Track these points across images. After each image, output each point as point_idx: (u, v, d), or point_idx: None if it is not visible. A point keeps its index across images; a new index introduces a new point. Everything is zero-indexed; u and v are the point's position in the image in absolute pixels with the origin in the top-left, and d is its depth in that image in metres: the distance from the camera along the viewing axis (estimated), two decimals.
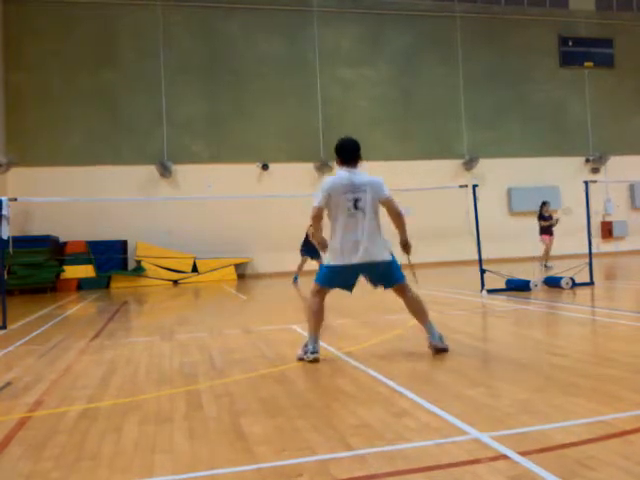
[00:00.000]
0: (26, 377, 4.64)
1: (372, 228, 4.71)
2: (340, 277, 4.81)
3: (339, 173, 4.84)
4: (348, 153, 4.87)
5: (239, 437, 2.94)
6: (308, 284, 12.63)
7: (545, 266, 13.98)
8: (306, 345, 4.89)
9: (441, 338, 4.86)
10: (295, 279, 13.86)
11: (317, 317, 4.90)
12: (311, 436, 2.90)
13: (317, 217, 4.79)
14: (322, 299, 4.93)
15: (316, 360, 4.76)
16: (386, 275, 4.82)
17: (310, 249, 13.06)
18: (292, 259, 14.17)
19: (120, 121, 17.50)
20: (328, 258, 4.82)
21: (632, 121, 21.48)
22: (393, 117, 19.56)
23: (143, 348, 5.82)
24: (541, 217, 14.35)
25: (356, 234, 4.66)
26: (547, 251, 14.29)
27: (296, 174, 18.00)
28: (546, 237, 14.21)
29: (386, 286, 4.89)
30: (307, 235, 13.27)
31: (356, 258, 4.65)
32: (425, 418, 3.08)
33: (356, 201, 4.68)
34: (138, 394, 3.96)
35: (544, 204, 14.42)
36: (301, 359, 4.86)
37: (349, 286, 4.92)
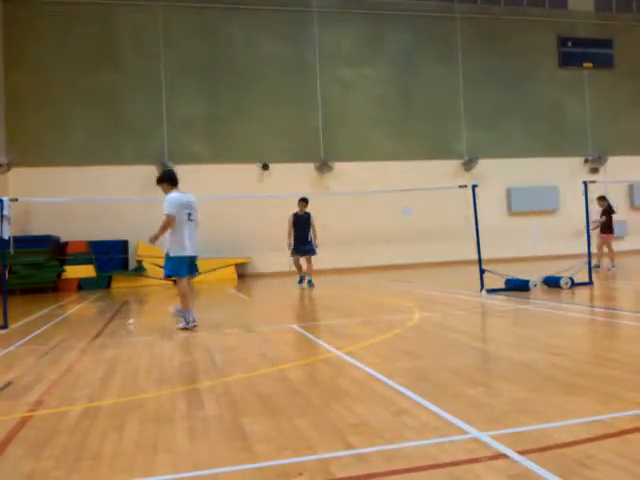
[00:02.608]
0: (27, 377, 4.65)
1: (196, 233, 7.06)
2: (186, 264, 6.91)
3: (175, 194, 6.88)
4: (176, 180, 7.03)
5: (240, 436, 2.95)
6: (316, 283, 12.58)
7: (596, 266, 12.41)
8: (184, 318, 6.92)
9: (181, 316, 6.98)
10: (308, 282, 12.90)
11: (188, 296, 6.94)
12: (311, 435, 2.91)
13: (170, 223, 6.78)
14: (186, 284, 6.96)
15: (195, 327, 6.91)
16: (196, 265, 7.20)
17: (299, 248, 12.76)
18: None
19: (121, 121, 17.49)
20: (176, 251, 6.81)
21: (631, 121, 21.46)
22: (393, 117, 19.54)
23: (144, 348, 5.83)
24: (612, 212, 12.82)
25: (191, 236, 6.92)
26: (611, 250, 13.03)
27: (296, 174, 18.00)
28: (611, 236, 13.02)
29: (196, 272, 7.30)
30: (296, 234, 12.94)
31: (192, 252, 6.94)
32: (424, 417, 3.09)
33: (189, 215, 6.93)
34: (139, 393, 3.97)
35: (605, 199, 12.85)
36: (185, 328, 6.84)
37: (191, 270, 7.08)
